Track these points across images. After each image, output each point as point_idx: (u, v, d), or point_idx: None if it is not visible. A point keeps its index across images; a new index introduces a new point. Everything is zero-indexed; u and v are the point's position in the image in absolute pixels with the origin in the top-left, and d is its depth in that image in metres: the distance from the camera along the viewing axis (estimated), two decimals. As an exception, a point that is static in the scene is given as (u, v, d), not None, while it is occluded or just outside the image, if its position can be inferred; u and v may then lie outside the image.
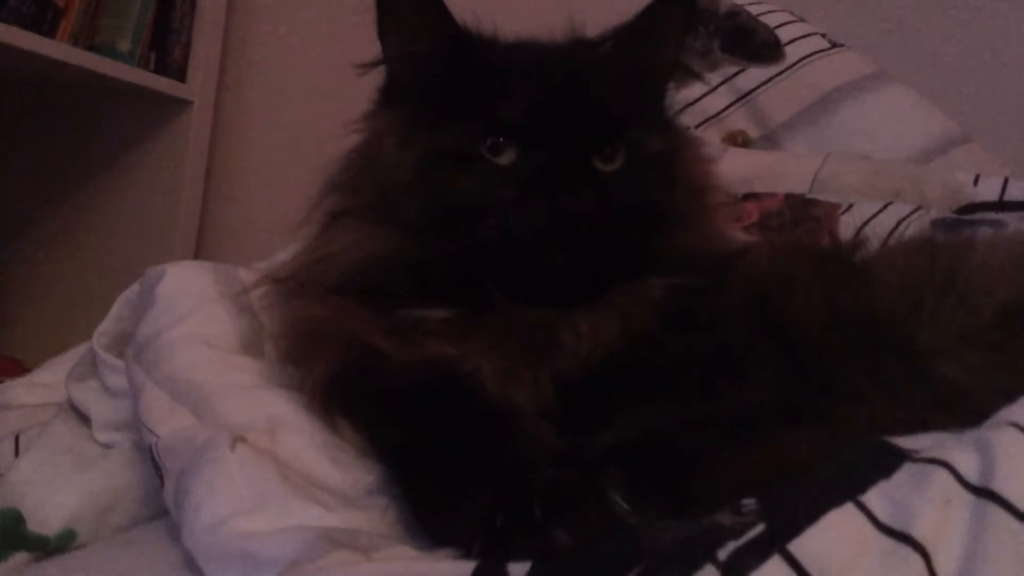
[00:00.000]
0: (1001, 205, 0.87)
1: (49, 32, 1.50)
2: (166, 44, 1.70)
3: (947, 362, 0.53)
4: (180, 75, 1.73)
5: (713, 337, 0.57)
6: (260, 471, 0.53)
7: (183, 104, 1.73)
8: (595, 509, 0.46)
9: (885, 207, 0.89)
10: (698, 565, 0.38)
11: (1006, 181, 0.89)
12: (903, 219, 0.86)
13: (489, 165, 0.62)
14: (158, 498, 0.68)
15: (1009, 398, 0.43)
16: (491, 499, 0.47)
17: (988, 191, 0.89)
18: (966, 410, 0.45)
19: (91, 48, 1.59)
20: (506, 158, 0.63)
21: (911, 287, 0.57)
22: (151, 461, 0.60)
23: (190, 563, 0.55)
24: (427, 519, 0.51)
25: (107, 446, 0.71)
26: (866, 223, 0.86)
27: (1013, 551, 0.36)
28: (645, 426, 0.52)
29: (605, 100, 0.64)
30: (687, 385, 0.55)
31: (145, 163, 1.75)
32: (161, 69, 1.69)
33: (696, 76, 0.71)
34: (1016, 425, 0.40)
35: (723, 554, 0.38)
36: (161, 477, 0.59)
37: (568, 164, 0.62)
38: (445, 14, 0.66)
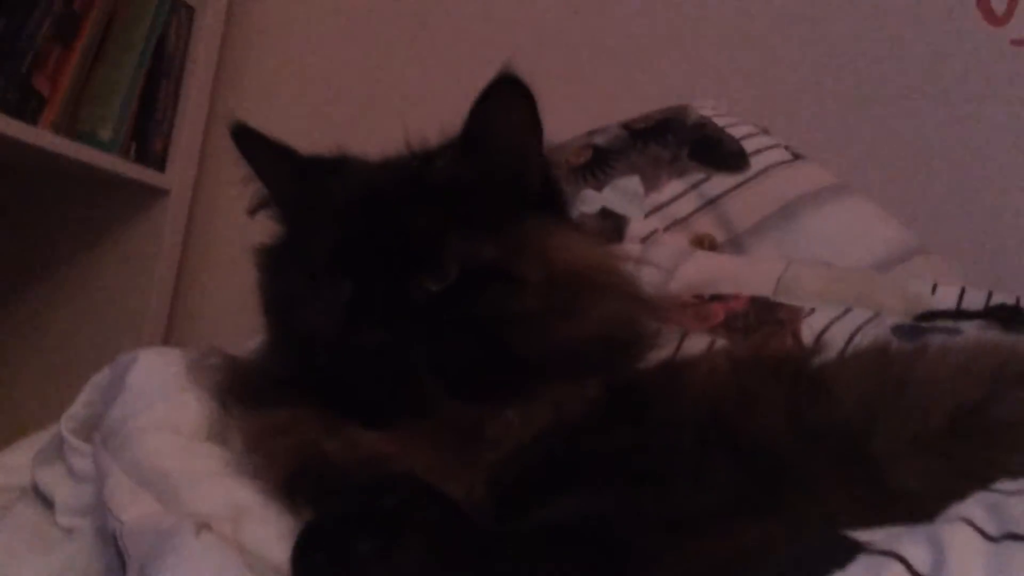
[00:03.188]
0: (958, 314, 0.90)
1: (32, 119, 1.52)
2: (147, 133, 1.73)
3: (899, 467, 0.54)
4: (160, 164, 1.75)
5: (662, 436, 0.57)
6: (224, 559, 0.53)
7: (161, 193, 1.75)
8: None
9: (845, 312, 0.91)
10: None
11: (963, 291, 0.92)
12: (862, 324, 0.88)
13: (328, 302, 0.64)
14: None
15: (959, 500, 0.45)
16: None
17: (945, 300, 0.92)
18: (917, 512, 0.47)
19: (73, 136, 1.61)
20: (344, 290, 0.64)
21: (866, 394, 0.58)
22: (114, 547, 0.60)
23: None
24: None
25: (69, 530, 0.70)
26: (827, 327, 0.88)
27: None
28: (584, 512, 0.51)
29: (416, 222, 0.65)
30: (631, 477, 0.55)
31: (120, 249, 1.76)
32: (141, 158, 1.72)
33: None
34: (966, 520, 0.41)
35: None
36: (124, 563, 0.59)
37: (377, 295, 0.63)
38: (286, 154, 0.72)
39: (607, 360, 0.65)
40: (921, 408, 0.55)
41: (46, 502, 0.73)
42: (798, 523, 0.50)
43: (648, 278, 0.83)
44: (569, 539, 0.49)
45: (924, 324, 0.89)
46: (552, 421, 0.59)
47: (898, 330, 0.87)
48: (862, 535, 0.43)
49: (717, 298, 0.97)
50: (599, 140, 1.22)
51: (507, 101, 0.66)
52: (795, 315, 0.93)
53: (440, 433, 0.60)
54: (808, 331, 0.90)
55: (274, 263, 0.72)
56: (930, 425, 0.54)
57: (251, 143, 0.72)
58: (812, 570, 0.41)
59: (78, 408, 0.74)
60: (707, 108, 1.27)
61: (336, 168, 0.72)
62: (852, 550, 0.42)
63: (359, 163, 0.73)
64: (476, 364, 0.62)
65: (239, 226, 1.97)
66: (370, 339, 0.61)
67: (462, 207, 0.66)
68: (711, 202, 1.16)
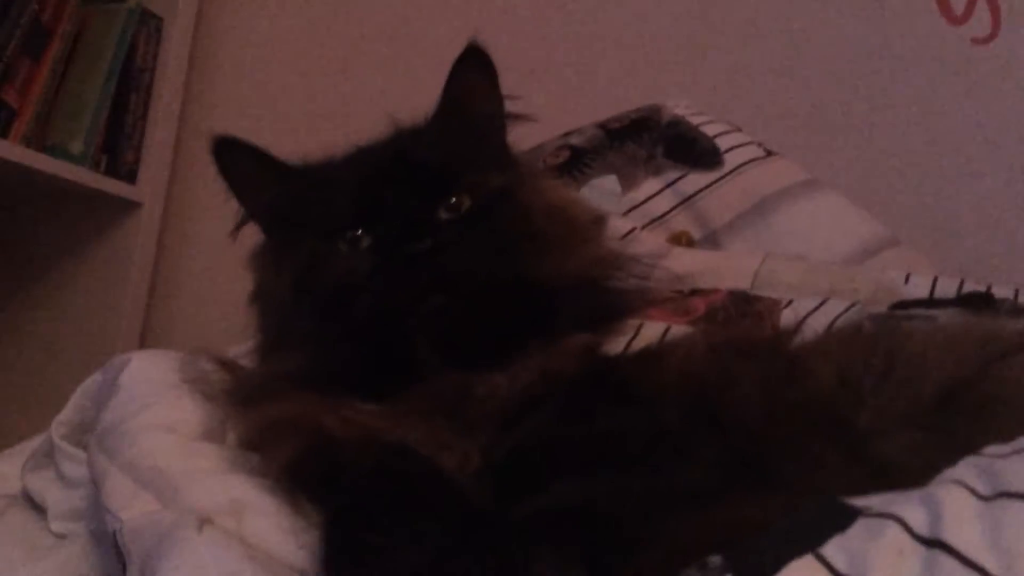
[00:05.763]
0: (931, 302, 0.92)
1: (2, 133, 1.51)
2: (118, 146, 1.72)
3: (887, 442, 0.55)
4: (131, 177, 1.75)
5: (649, 413, 0.58)
6: (227, 552, 0.53)
7: (133, 205, 1.74)
8: None
9: (823, 303, 0.93)
10: None
11: (935, 280, 0.95)
12: (840, 314, 0.90)
13: (350, 257, 0.66)
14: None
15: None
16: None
17: (918, 289, 0.94)
18: (905, 484, 0.48)
19: (43, 149, 1.60)
20: (364, 244, 0.66)
21: (851, 373, 0.59)
22: (114, 548, 0.60)
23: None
24: None
25: (62, 536, 0.70)
26: (805, 318, 0.90)
27: None
28: (579, 497, 0.52)
29: (428, 160, 0.69)
30: (623, 458, 0.56)
31: (93, 262, 1.76)
32: (112, 171, 1.71)
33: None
34: (959, 482, 0.43)
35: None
36: (124, 564, 0.59)
37: (407, 222, 0.65)
38: (274, 163, 0.73)
39: (592, 311, 0.68)
40: (911, 384, 0.56)
41: (37, 509, 0.73)
42: (790, 495, 0.51)
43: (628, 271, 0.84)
44: (565, 524, 0.50)
45: (899, 312, 0.91)
46: (540, 388, 0.61)
47: (875, 319, 0.88)
48: (857, 501, 0.44)
49: (697, 292, 0.98)
50: (575, 140, 1.24)
51: (477, 65, 0.74)
52: (773, 307, 0.94)
53: (433, 404, 0.61)
54: (786, 322, 0.91)
55: (274, 257, 0.72)
56: (920, 400, 0.56)
57: (236, 155, 0.73)
58: (813, 535, 0.42)
59: (69, 413, 0.74)
60: (680, 107, 1.29)
61: (329, 161, 0.73)
62: (851, 514, 0.43)
63: (351, 147, 0.75)
64: (486, 288, 0.64)
65: (211, 237, 1.96)
66: (417, 248, 0.63)
67: (460, 152, 0.70)
68: (687, 199, 1.18)
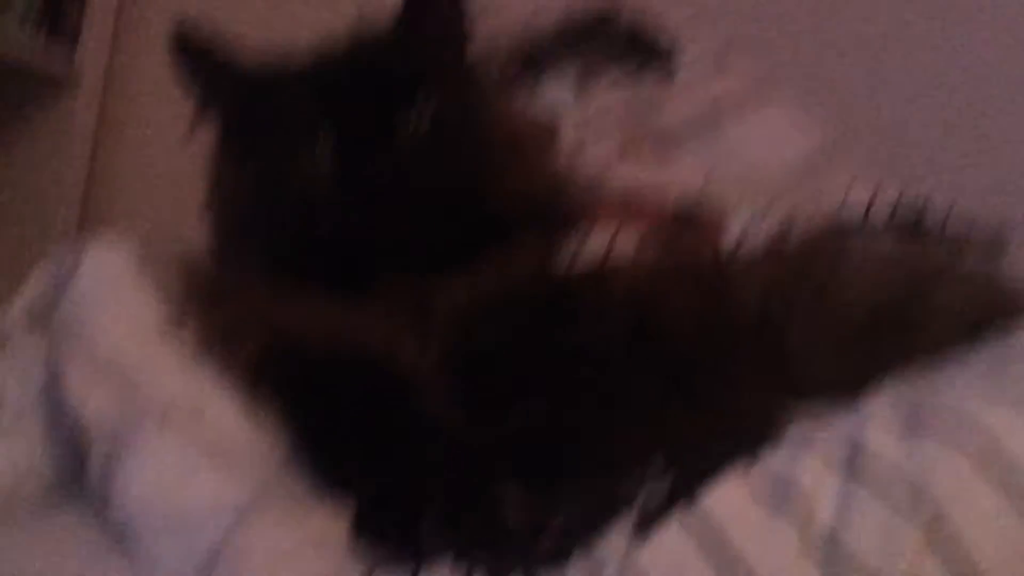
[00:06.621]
0: (868, 216, 0.95)
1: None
2: (57, 18, 1.65)
3: (813, 363, 0.58)
4: (69, 54, 1.68)
5: (596, 333, 0.61)
6: (188, 444, 0.55)
7: (71, 82, 1.69)
8: (480, 515, 0.50)
9: (764, 218, 0.96)
10: (611, 521, 0.43)
11: (876, 190, 0.98)
12: (779, 232, 0.92)
13: (309, 165, 0.66)
14: (70, 479, 0.68)
15: (874, 392, 0.50)
16: (379, 492, 0.52)
17: (858, 203, 0.97)
18: (833, 404, 0.51)
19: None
20: (324, 152, 0.66)
21: (779, 293, 0.62)
22: (69, 442, 0.61)
23: (100, 543, 0.57)
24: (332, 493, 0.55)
25: (12, 426, 0.70)
26: (745, 235, 0.93)
27: (880, 494, 0.42)
28: (534, 420, 0.55)
29: (390, 68, 0.69)
30: (574, 377, 0.58)
31: (27, 145, 1.70)
32: (49, 44, 1.65)
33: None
34: (885, 397, 0.46)
35: (630, 512, 0.43)
36: (80, 457, 0.60)
37: (367, 132, 0.66)
38: (235, 60, 0.72)
39: (543, 224, 0.70)
40: (842, 304, 0.59)
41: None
42: (720, 415, 0.55)
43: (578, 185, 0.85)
44: (522, 448, 0.54)
45: (835, 230, 0.94)
46: (495, 297, 0.63)
47: (810, 237, 0.91)
48: (786, 416, 0.48)
49: (640, 207, 1.00)
50: (529, 45, 1.22)
51: None
52: (716, 221, 0.97)
53: (391, 306, 0.63)
54: (728, 237, 0.94)
55: (231, 160, 0.72)
56: (849, 322, 0.59)
57: (196, 49, 0.72)
58: (748, 448, 0.46)
59: (22, 301, 0.74)
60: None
61: (289, 62, 0.72)
62: (781, 425, 0.47)
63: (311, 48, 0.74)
64: (439, 200, 0.65)
65: (152, 117, 1.89)
66: (362, 168, 0.64)
67: (421, 62, 0.70)
68: (638, 106, 1.18)
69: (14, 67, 1.60)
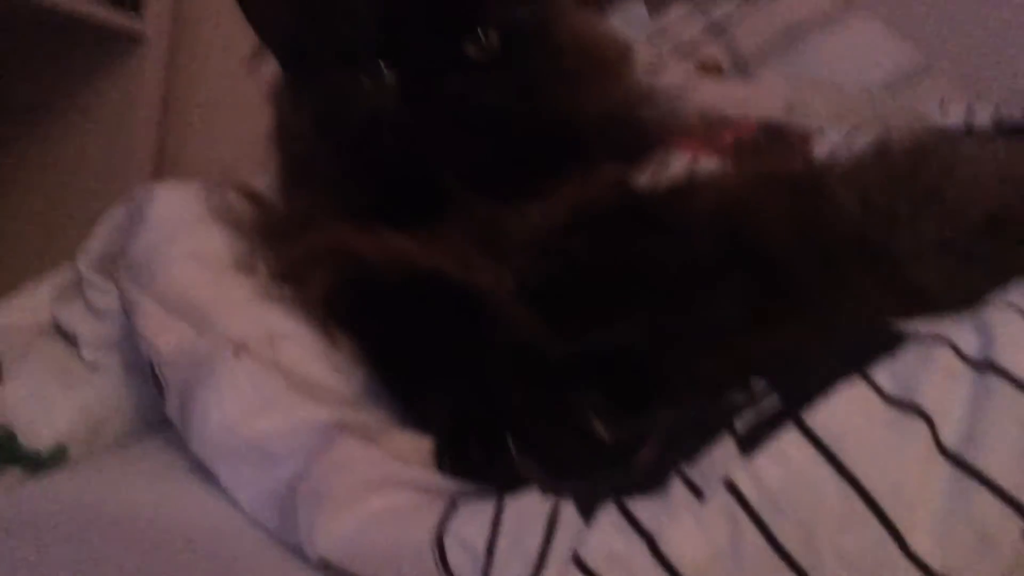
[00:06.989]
0: (968, 130, 0.90)
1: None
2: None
3: (923, 268, 0.54)
4: (134, 8, 1.69)
5: (682, 247, 0.57)
6: (265, 376, 0.54)
7: (138, 39, 1.69)
8: (569, 434, 0.47)
9: (856, 133, 0.90)
10: (715, 435, 0.39)
11: (970, 106, 0.92)
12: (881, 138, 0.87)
13: (374, 94, 0.63)
14: (151, 414, 0.69)
15: (986, 298, 0.45)
16: (460, 415, 0.50)
17: (954, 117, 0.91)
18: (944, 312, 0.47)
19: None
20: (388, 79, 0.62)
21: (879, 198, 0.58)
22: (151, 376, 0.61)
23: (185, 470, 0.57)
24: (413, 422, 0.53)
25: (94, 366, 0.71)
26: (838, 147, 0.88)
27: (1013, 418, 0.38)
28: (619, 338, 0.52)
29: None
30: (659, 294, 0.55)
31: (98, 99, 1.71)
32: (116, 2, 1.65)
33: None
34: (1013, 305, 0.42)
35: (740, 426, 0.40)
36: (161, 391, 0.60)
37: (433, 57, 0.62)
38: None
39: (621, 144, 0.66)
40: (956, 210, 0.55)
41: (68, 339, 0.73)
42: (825, 325, 0.51)
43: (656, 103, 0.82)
44: (607, 366, 0.50)
45: (945, 134, 0.88)
46: (572, 218, 0.59)
47: (922, 139, 0.86)
48: (904, 326, 0.44)
49: (724, 122, 0.96)
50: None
51: None
52: (804, 136, 0.92)
53: (465, 234, 0.60)
54: (818, 152, 0.89)
55: (293, 92, 0.69)
56: (965, 226, 0.54)
57: None
58: (860, 358, 0.42)
59: (95, 244, 0.73)
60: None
61: None
62: (898, 337, 0.43)
63: None
64: (515, 123, 0.62)
65: (221, 68, 1.90)
66: (429, 95, 0.60)
67: None
68: (716, 25, 1.13)
69: (85, 24, 1.61)
